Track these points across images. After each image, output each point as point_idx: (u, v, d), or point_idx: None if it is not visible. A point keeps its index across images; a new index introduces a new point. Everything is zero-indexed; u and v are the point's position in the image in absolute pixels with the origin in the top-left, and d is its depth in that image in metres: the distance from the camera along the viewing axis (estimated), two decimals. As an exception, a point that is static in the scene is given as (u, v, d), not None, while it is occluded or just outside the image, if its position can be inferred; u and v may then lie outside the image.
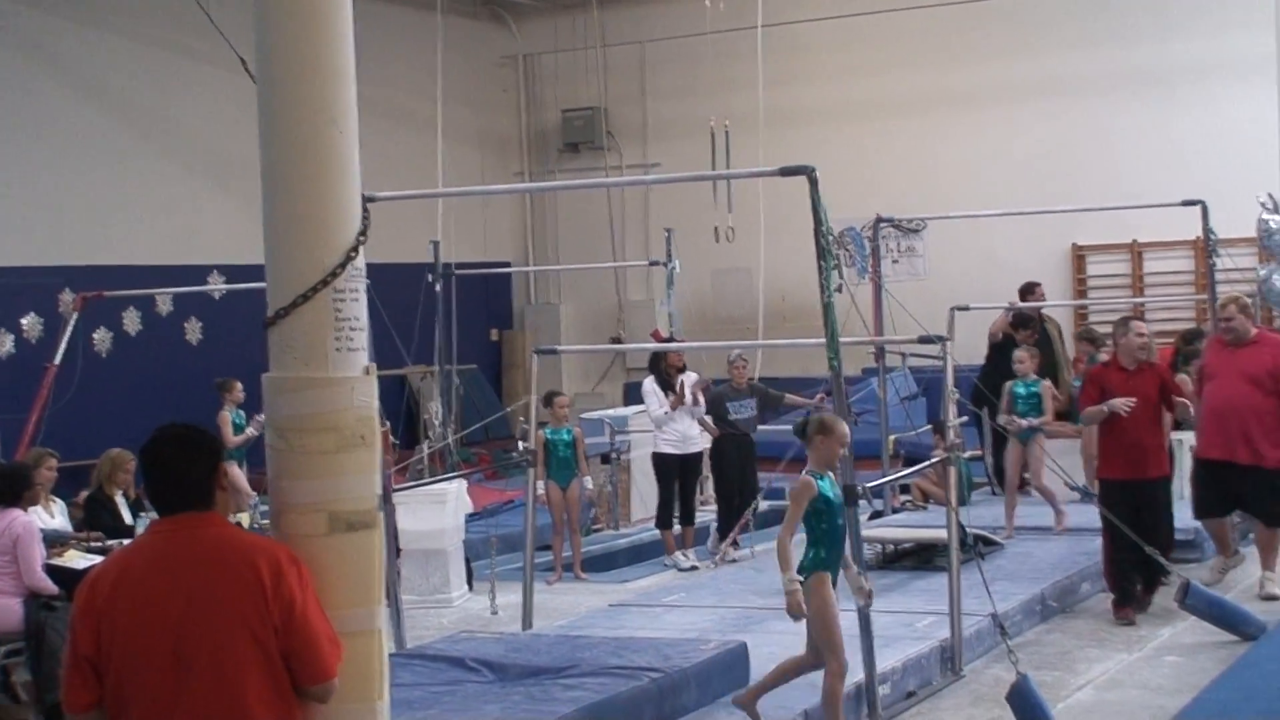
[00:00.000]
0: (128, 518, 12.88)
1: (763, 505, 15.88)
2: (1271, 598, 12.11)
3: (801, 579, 8.39)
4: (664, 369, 15.49)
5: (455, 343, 19.14)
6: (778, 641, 10.50)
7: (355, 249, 5.19)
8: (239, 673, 4.82)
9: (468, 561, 14.31)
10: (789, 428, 18.04)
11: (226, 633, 4.83)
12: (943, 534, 10.85)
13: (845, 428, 8.65)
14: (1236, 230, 17.58)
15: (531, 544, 12.08)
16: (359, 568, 5.14)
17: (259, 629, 4.84)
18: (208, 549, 4.92)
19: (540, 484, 14.01)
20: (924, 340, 10.87)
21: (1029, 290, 18.32)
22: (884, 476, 13.56)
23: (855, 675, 9.25)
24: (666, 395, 15.35)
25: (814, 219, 8.89)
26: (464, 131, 26.32)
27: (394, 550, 11.55)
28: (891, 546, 13.64)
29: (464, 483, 14.51)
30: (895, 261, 24.29)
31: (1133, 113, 24.60)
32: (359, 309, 5.22)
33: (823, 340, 9.09)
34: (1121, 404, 11.68)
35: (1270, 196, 14.99)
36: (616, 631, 10.78)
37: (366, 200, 5.42)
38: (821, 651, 8.53)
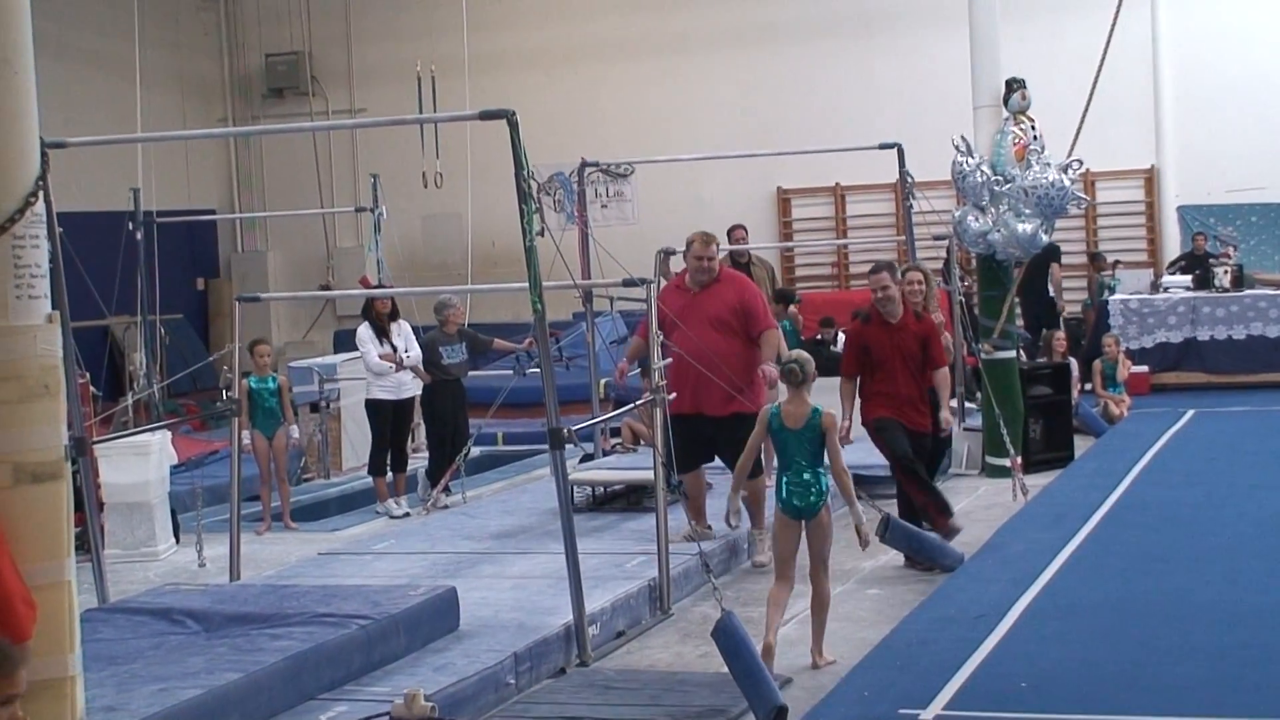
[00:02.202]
0: None
1: (474, 451, 15.90)
2: (762, 565, 11.52)
3: None
4: (374, 316, 15.36)
5: (159, 292, 18.73)
6: (488, 585, 10.56)
7: (35, 194, 5.04)
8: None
9: (173, 514, 14.04)
10: (500, 373, 18.16)
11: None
12: (651, 475, 10.96)
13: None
14: (933, 173, 18.03)
15: (237, 494, 11.90)
16: (47, 520, 5.03)
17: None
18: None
19: (246, 434, 13.81)
20: (628, 283, 10.94)
21: (728, 233, 18.51)
22: (592, 419, 13.63)
23: (563, 616, 9.33)
24: (380, 342, 15.22)
25: (515, 163, 8.90)
26: (164, 76, 25.69)
27: (96, 504, 11.28)
28: (601, 489, 13.74)
29: (168, 434, 14.23)
30: (604, 207, 24.43)
31: (834, 58, 25.12)
32: (40, 255, 5.08)
33: (527, 285, 9.11)
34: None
35: (964, 139, 15.35)
36: (326, 580, 10.69)
37: (54, 145, 5.27)
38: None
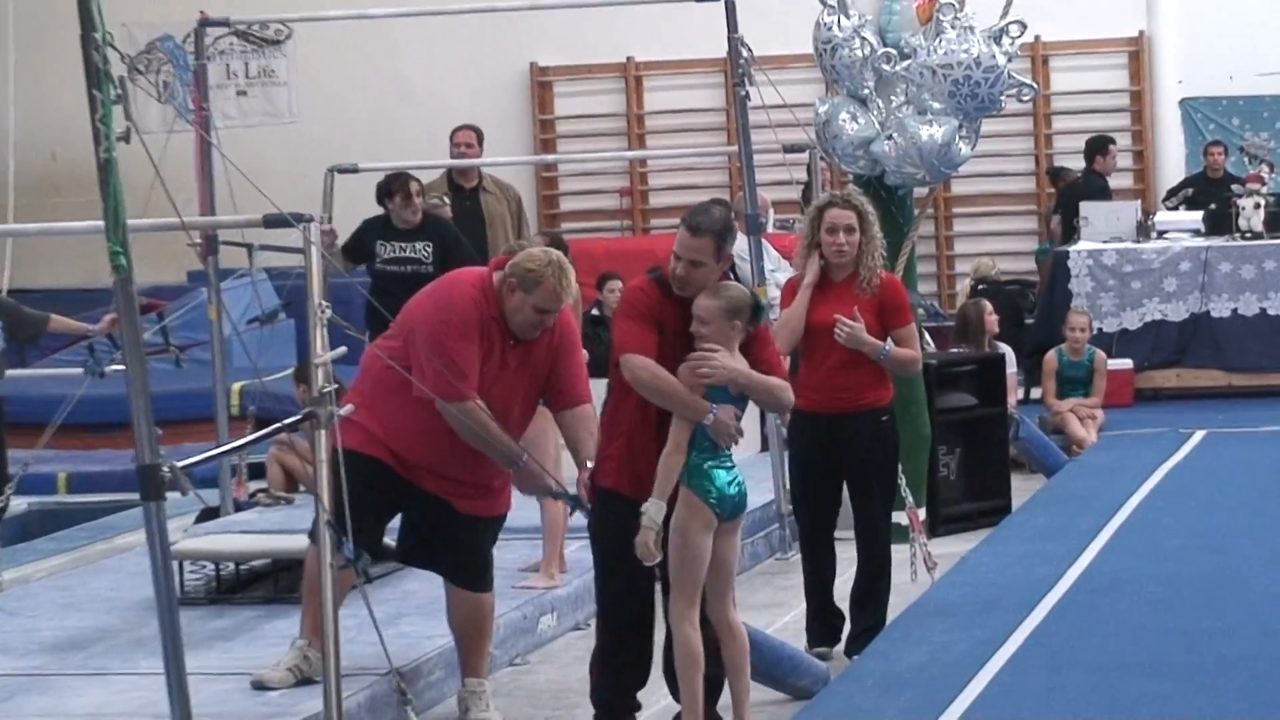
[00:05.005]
0: None
1: (18, 504, 15.71)
2: None
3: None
4: None
5: None
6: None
7: None
8: None
9: None
10: (63, 373, 17.96)
11: None
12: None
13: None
14: (784, 44, 18.21)
15: None
16: None
17: None
18: None
19: None
20: (274, 222, 10.79)
21: (450, 138, 18.50)
22: (216, 448, 13.44)
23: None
24: None
25: (81, 22, 8.79)
26: None
27: None
28: (231, 566, 13.64)
29: None
30: (242, 93, 24.37)
31: None
32: None
33: (102, 224, 9.01)
34: None
35: (836, -13, 15.48)
36: None
37: None
38: None
